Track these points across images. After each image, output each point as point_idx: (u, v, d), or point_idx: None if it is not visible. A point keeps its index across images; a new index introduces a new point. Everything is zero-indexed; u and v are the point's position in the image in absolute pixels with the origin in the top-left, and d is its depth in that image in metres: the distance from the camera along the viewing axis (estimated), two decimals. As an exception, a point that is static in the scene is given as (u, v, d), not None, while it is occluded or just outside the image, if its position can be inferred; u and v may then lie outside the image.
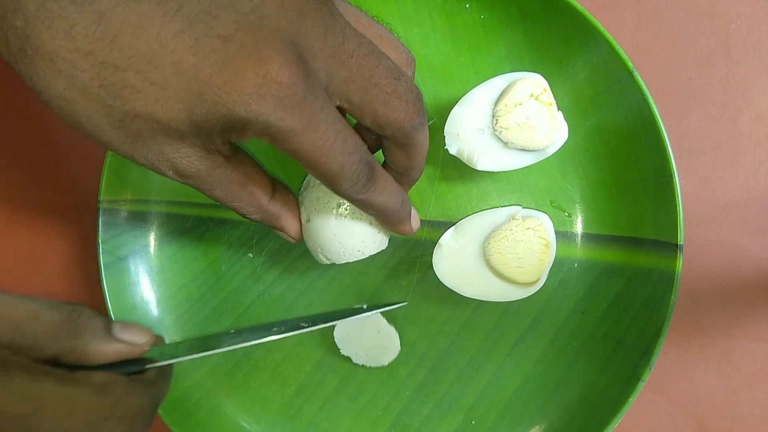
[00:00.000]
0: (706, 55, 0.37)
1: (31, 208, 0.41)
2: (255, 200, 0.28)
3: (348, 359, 0.37)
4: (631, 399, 0.34)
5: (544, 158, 0.34)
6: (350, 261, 0.32)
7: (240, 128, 0.22)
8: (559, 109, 0.33)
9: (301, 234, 0.32)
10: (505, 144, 0.33)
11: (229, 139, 0.24)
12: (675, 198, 0.34)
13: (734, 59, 0.37)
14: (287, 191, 0.31)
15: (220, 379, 0.38)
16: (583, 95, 0.36)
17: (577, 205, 0.37)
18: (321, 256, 0.32)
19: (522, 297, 0.35)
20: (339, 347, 0.37)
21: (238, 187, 0.27)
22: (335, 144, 0.23)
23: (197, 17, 0.21)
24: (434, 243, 0.35)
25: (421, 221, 0.36)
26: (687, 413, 0.38)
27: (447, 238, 0.35)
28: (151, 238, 0.38)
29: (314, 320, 0.36)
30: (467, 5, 0.36)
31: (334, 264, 0.33)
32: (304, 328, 0.34)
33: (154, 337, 0.29)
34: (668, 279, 0.34)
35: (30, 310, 0.24)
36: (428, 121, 0.28)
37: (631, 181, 0.35)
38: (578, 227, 0.37)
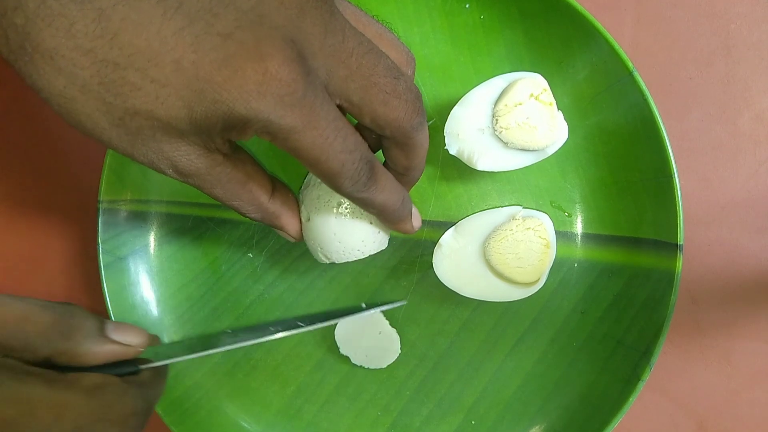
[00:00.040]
0: (706, 55, 0.37)
1: (31, 208, 0.41)
2: (255, 199, 0.28)
3: (348, 359, 0.37)
4: (631, 399, 0.34)
5: (544, 158, 0.34)
6: (350, 260, 0.32)
7: (240, 126, 0.22)
8: (559, 109, 0.33)
9: (301, 233, 0.32)
10: (505, 144, 0.33)
11: (229, 137, 0.24)
12: (675, 198, 0.34)
13: (734, 59, 0.37)
14: (287, 190, 0.31)
15: (219, 379, 0.38)
16: (583, 95, 0.36)
17: (577, 205, 0.37)
18: (321, 255, 0.32)
19: (522, 297, 0.35)
20: (339, 347, 0.37)
21: (237, 186, 0.27)
22: (336, 142, 0.23)
23: (197, 15, 0.21)
24: (434, 243, 0.35)
25: (422, 221, 0.36)
26: (687, 413, 0.38)
27: (447, 238, 0.35)
28: (151, 238, 0.38)
29: (314, 319, 0.35)
30: (467, 5, 0.36)
31: (334, 264, 0.33)
32: (303, 327, 0.34)
33: (150, 337, 0.28)
34: (668, 279, 0.34)
35: (22, 311, 0.24)
36: (428, 121, 0.28)
37: (631, 181, 0.35)
38: (578, 227, 0.37)
